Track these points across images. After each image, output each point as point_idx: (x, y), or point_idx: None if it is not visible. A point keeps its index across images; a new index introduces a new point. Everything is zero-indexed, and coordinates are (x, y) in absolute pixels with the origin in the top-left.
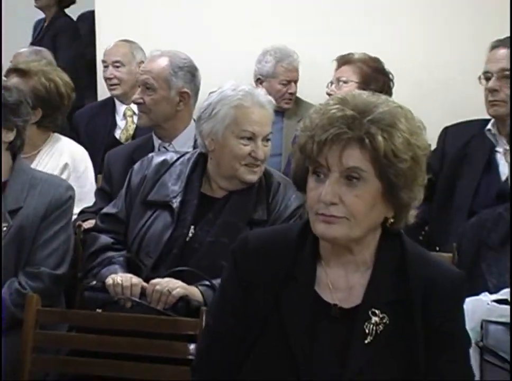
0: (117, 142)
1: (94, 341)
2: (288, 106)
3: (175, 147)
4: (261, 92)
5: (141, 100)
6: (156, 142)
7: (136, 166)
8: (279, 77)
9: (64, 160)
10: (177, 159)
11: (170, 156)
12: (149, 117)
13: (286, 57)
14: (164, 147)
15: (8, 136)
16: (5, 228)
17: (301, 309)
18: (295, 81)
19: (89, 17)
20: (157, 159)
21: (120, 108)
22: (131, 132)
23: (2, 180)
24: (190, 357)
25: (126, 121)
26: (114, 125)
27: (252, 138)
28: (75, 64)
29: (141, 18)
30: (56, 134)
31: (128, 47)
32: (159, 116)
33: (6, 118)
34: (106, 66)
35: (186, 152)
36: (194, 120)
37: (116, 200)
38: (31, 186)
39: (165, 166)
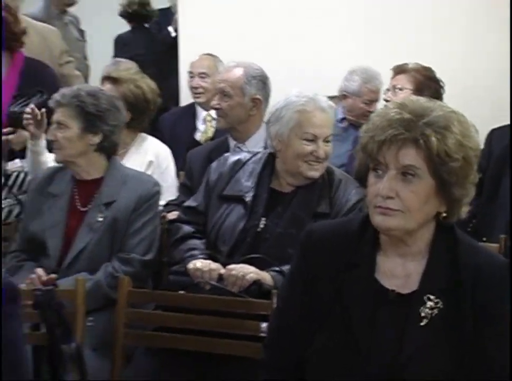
0: (197, 143)
1: (177, 318)
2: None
3: (248, 148)
4: (322, 98)
5: (219, 106)
6: (231, 142)
7: (214, 164)
8: (363, 97)
9: (149, 157)
10: (250, 158)
11: (243, 155)
12: (226, 120)
13: (372, 80)
14: (238, 148)
15: (94, 140)
16: (101, 219)
17: (362, 294)
18: (377, 101)
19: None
20: (232, 158)
21: (201, 113)
22: (210, 135)
23: (98, 176)
24: (262, 335)
25: (205, 125)
26: (195, 128)
27: (313, 139)
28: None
29: (219, 34)
30: (143, 134)
31: (212, 61)
32: (234, 120)
33: (92, 124)
34: (192, 77)
35: (258, 152)
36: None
37: (196, 195)
38: (123, 182)
39: (239, 164)
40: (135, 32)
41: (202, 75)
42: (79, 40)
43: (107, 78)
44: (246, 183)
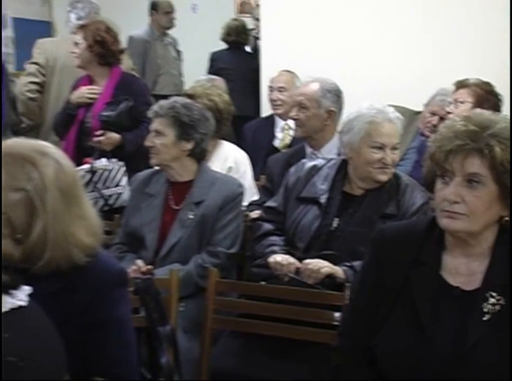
0: (276, 150)
1: (259, 306)
2: None
3: (323, 154)
4: (391, 109)
5: (297, 117)
6: (308, 149)
7: (292, 169)
8: (430, 107)
9: (229, 163)
10: (325, 163)
11: (319, 161)
12: (303, 130)
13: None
14: (314, 154)
15: (187, 146)
16: (191, 217)
17: (428, 289)
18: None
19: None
20: (309, 163)
21: (279, 123)
22: (287, 142)
23: (189, 179)
24: (335, 323)
25: (283, 133)
26: (273, 136)
27: (381, 147)
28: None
29: (297, 52)
30: (221, 141)
31: (289, 76)
32: (311, 129)
33: (186, 133)
34: (271, 90)
35: (332, 158)
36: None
37: (276, 196)
38: (211, 184)
39: (315, 169)
40: (227, 51)
41: (281, 89)
42: (176, 59)
43: (186, 95)
44: (321, 186)
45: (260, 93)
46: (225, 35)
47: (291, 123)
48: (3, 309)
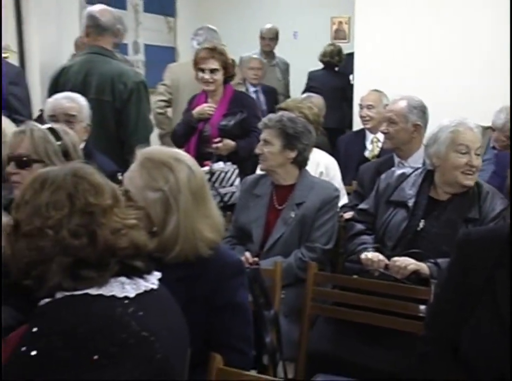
0: (366, 159)
1: (352, 297)
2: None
3: (410, 164)
4: (470, 121)
5: (387, 130)
6: (396, 159)
7: (383, 176)
8: (506, 132)
9: (320, 169)
10: (413, 172)
11: (407, 170)
12: (392, 142)
13: None
14: (402, 163)
15: (291, 155)
16: (293, 216)
17: (510, 289)
18: None
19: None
20: (398, 171)
21: (369, 136)
22: (376, 153)
23: (292, 182)
24: (420, 315)
25: (372, 145)
26: (364, 147)
27: (466, 152)
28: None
29: (385, 73)
30: (313, 148)
31: (378, 95)
32: (399, 142)
33: (291, 143)
34: (361, 108)
35: (419, 167)
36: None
37: (368, 200)
38: (311, 187)
39: (404, 176)
40: (324, 71)
41: (369, 107)
42: (279, 80)
43: (279, 108)
44: (409, 191)
45: (352, 109)
46: (321, 56)
47: (379, 136)
48: (138, 291)
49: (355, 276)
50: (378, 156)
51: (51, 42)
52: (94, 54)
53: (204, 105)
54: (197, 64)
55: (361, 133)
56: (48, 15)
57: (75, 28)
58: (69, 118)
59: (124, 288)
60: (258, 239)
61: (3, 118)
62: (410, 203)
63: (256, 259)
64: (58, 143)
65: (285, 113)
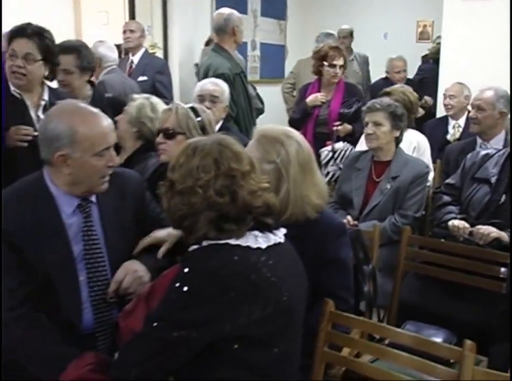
0: (447, 142)
1: (439, 257)
2: None
3: (491, 145)
4: None
5: (475, 116)
6: (479, 141)
7: (469, 156)
8: None
9: (413, 144)
10: (496, 152)
11: (491, 151)
12: (480, 127)
13: None
14: (484, 145)
15: (396, 134)
16: (388, 187)
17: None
18: None
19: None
20: (483, 152)
21: (451, 122)
22: (457, 136)
23: (389, 159)
24: (500, 276)
25: (454, 130)
26: (447, 131)
27: None
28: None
29: (470, 65)
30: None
31: (460, 87)
32: (485, 126)
33: (397, 124)
34: (444, 97)
35: (501, 149)
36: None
37: (454, 175)
38: (405, 164)
39: (488, 156)
40: (433, 65)
41: (451, 97)
42: (356, 72)
43: (385, 93)
44: (492, 170)
45: (437, 98)
46: (432, 54)
47: (461, 122)
48: (269, 243)
49: (442, 240)
50: (459, 139)
51: (188, 41)
52: (212, 51)
53: (318, 94)
54: (326, 59)
55: (444, 119)
56: (186, 17)
57: (207, 29)
58: (213, 99)
59: (257, 240)
60: (358, 206)
61: (156, 99)
62: (493, 180)
63: (356, 222)
64: (198, 119)
65: (386, 98)
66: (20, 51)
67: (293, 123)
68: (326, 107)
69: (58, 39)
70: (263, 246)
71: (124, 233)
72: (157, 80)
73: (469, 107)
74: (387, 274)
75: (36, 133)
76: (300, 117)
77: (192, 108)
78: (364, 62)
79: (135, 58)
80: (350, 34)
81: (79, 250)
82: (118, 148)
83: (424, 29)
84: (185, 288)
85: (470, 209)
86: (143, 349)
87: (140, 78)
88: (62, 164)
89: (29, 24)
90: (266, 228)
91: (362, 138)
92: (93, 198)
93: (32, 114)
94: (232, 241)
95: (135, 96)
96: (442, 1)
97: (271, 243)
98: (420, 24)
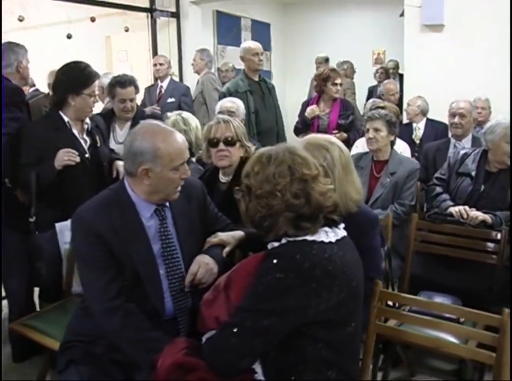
0: (412, 141)
1: (440, 238)
2: None
3: (463, 144)
4: None
5: (458, 122)
6: (452, 141)
7: (451, 155)
8: None
9: (400, 149)
10: (472, 151)
11: (467, 150)
12: (462, 130)
13: None
14: (458, 144)
15: (391, 138)
16: (388, 181)
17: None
18: None
19: None
20: (461, 151)
21: (414, 125)
22: (419, 136)
23: (386, 158)
24: (489, 249)
25: (415, 132)
26: (411, 133)
27: None
28: None
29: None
30: None
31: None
32: (465, 130)
33: (391, 129)
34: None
35: (475, 149)
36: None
37: (442, 170)
38: (400, 162)
39: (466, 155)
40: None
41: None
42: None
43: (378, 107)
44: (471, 166)
45: (402, 106)
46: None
47: (420, 125)
48: (337, 237)
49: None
50: (420, 139)
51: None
52: None
53: (313, 106)
54: (329, 80)
55: (409, 124)
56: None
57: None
58: (230, 114)
59: (328, 235)
60: (364, 198)
61: (186, 113)
62: (473, 173)
63: None
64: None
65: (388, 111)
66: None
67: (297, 132)
68: (326, 118)
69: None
70: (333, 240)
71: (192, 231)
72: (182, 101)
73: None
74: (395, 253)
75: (78, 159)
76: (302, 127)
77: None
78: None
79: (164, 84)
80: (325, 60)
81: (158, 248)
82: None
83: (378, 56)
84: (273, 281)
85: (457, 198)
86: (235, 337)
87: (169, 100)
88: (144, 177)
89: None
90: (334, 224)
91: (356, 143)
92: (166, 203)
93: (79, 138)
94: (309, 237)
95: (168, 114)
96: (392, 34)
97: (339, 237)
98: (375, 52)
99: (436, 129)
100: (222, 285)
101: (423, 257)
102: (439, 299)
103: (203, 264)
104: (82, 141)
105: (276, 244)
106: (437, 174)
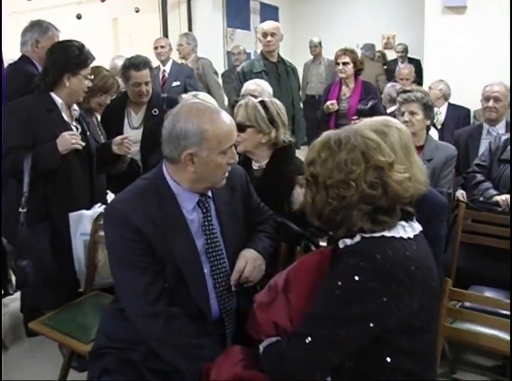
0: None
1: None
2: None
3: (497, 130)
4: None
5: (493, 106)
6: (485, 126)
7: (492, 140)
8: None
9: None
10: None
11: (508, 135)
12: (497, 114)
13: None
14: (492, 130)
15: (428, 122)
16: (425, 168)
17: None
18: None
19: None
20: (503, 137)
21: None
22: (441, 121)
23: (422, 144)
24: None
25: (437, 116)
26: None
27: None
28: None
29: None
30: None
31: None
32: (500, 114)
33: (427, 112)
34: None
35: None
36: None
37: (482, 157)
38: (436, 148)
39: (508, 141)
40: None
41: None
42: (319, 73)
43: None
44: None
45: None
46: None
47: (442, 109)
48: (414, 232)
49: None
50: (442, 124)
51: (207, 49)
52: None
53: (328, 102)
54: (336, 59)
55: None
56: (206, 34)
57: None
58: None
59: (405, 230)
60: None
61: (204, 94)
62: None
63: None
64: (266, 112)
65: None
66: None
67: (319, 118)
68: (346, 102)
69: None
70: (411, 235)
71: (236, 223)
72: (188, 83)
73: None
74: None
75: (83, 143)
76: (323, 115)
77: (262, 102)
78: (330, 65)
79: (167, 67)
80: (319, 44)
81: (201, 244)
82: None
83: (388, 40)
84: (351, 283)
85: (501, 187)
86: (307, 347)
87: (174, 83)
88: (188, 162)
89: None
90: (409, 217)
91: None
92: (209, 193)
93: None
94: (387, 233)
95: (184, 95)
96: (401, 18)
97: (416, 232)
98: (385, 36)
99: (458, 114)
100: (280, 286)
101: (467, 249)
102: (490, 293)
103: (251, 260)
104: (74, 128)
105: (348, 241)
106: (476, 161)
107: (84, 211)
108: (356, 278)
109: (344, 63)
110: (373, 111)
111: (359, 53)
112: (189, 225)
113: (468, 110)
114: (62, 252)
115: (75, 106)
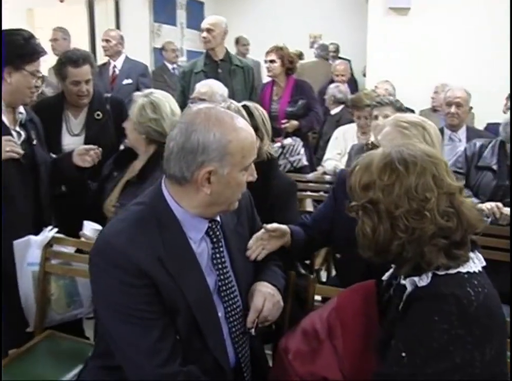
0: None
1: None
2: None
3: (459, 135)
4: None
5: (455, 111)
6: (447, 132)
7: (467, 146)
8: None
9: None
10: (488, 143)
11: (484, 141)
12: (459, 120)
13: None
14: (453, 135)
15: None
16: None
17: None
18: None
19: None
20: (478, 143)
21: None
22: None
23: None
24: None
25: None
26: None
27: None
28: None
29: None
30: None
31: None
32: (461, 120)
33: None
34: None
35: (491, 140)
36: None
37: (457, 164)
38: None
39: (483, 147)
40: None
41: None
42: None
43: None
44: (490, 159)
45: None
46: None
47: None
48: (482, 264)
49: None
50: None
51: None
52: None
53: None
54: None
55: None
56: (133, 28)
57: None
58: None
59: (474, 262)
60: None
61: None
62: (495, 167)
63: None
64: (251, 119)
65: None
66: None
67: None
68: (276, 103)
69: None
70: (480, 268)
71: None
72: (140, 82)
73: None
74: None
75: (21, 151)
76: None
77: (244, 106)
78: (255, 65)
79: (118, 63)
80: (236, 42)
81: (213, 281)
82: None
83: (314, 40)
84: (436, 334)
85: (480, 194)
86: None
87: (125, 81)
88: (204, 183)
89: None
90: (475, 247)
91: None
92: (217, 217)
93: (11, 130)
94: (462, 269)
95: (136, 94)
96: (329, 17)
97: (484, 263)
98: (311, 35)
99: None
100: (324, 333)
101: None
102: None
103: (269, 297)
104: (15, 134)
105: (418, 280)
106: (452, 168)
107: (31, 237)
108: (441, 326)
109: (271, 61)
110: (305, 111)
111: (312, 53)
112: (198, 259)
113: (412, 111)
114: (5, 286)
115: (21, 109)
